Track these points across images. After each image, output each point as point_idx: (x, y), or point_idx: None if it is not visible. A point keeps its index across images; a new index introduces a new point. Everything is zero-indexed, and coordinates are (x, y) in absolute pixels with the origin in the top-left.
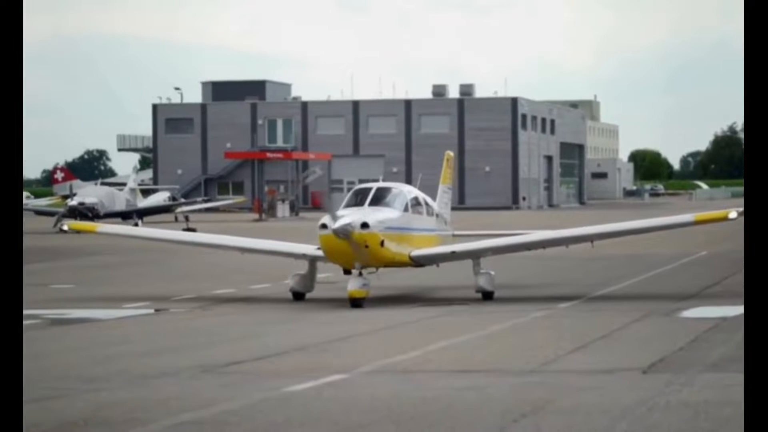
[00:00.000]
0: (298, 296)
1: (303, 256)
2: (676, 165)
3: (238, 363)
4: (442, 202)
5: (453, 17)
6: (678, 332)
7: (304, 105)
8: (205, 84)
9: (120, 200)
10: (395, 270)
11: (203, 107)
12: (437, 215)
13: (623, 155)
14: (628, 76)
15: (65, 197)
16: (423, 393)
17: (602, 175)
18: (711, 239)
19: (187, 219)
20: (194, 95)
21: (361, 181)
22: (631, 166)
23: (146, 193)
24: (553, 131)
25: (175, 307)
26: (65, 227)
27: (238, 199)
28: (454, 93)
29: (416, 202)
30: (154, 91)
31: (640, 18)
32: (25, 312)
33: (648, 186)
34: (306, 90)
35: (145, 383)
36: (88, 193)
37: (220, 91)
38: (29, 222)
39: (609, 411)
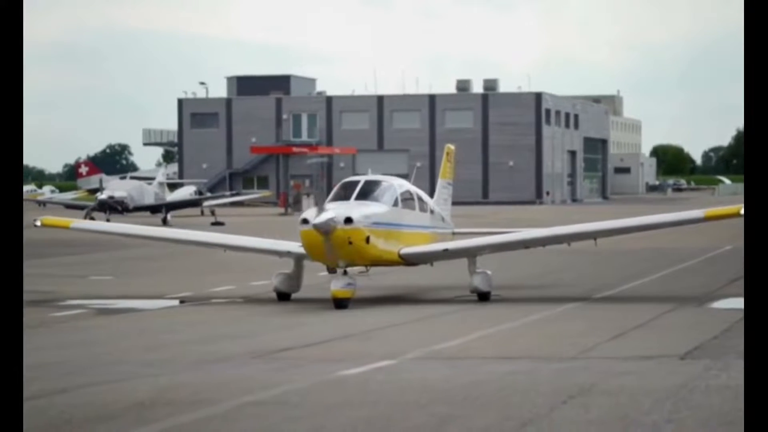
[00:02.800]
0: (283, 297)
1: (287, 253)
2: (698, 160)
3: (287, 350)
4: (441, 198)
5: (476, 12)
6: (710, 322)
7: (329, 100)
8: (230, 79)
9: (149, 194)
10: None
11: (228, 102)
12: (432, 211)
13: (645, 150)
14: (650, 71)
15: (92, 191)
16: (472, 377)
17: (625, 170)
18: (737, 233)
19: (213, 213)
20: (219, 90)
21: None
22: (653, 161)
23: (172, 187)
24: (576, 126)
25: (216, 298)
26: (38, 223)
27: (264, 193)
28: (477, 88)
29: (408, 196)
30: (179, 85)
31: (662, 12)
32: (71, 302)
33: (671, 181)
34: (330, 85)
35: (201, 368)
36: (117, 187)
37: (245, 85)
38: (59, 216)
39: (652, 393)
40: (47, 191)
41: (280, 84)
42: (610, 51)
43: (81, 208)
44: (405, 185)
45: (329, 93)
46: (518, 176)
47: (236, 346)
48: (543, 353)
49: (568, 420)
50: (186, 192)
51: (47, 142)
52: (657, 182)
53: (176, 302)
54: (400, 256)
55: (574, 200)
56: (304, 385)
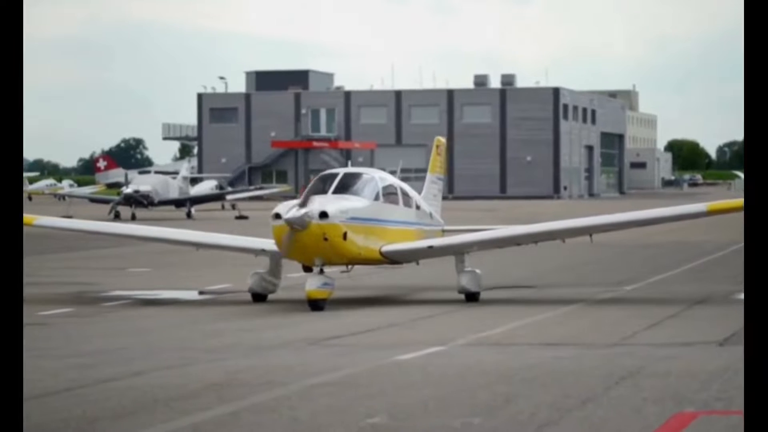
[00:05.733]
0: (259, 298)
1: (262, 251)
2: (713, 155)
3: (339, 337)
4: (429, 193)
5: (492, 6)
6: (741, 312)
7: (347, 94)
8: (248, 74)
9: (173, 188)
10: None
11: (247, 97)
12: (419, 207)
13: (660, 145)
14: (665, 66)
15: (110, 185)
16: (523, 361)
17: (641, 165)
18: None
19: (233, 207)
20: (238, 85)
21: (403, 171)
22: (669, 155)
23: (193, 181)
24: (594, 121)
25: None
26: None
27: (283, 187)
28: (495, 83)
29: (390, 191)
30: (193, 80)
31: (677, 7)
32: (116, 293)
33: (687, 176)
34: (347, 79)
35: (262, 353)
36: (142, 181)
37: (264, 80)
38: (84, 209)
39: (698, 375)
40: (66, 185)
41: (298, 79)
42: (626, 45)
43: (106, 202)
44: (388, 179)
45: (347, 88)
46: (536, 171)
47: (289, 333)
48: (585, 340)
49: (624, 398)
50: (207, 186)
51: (61, 136)
52: (673, 177)
53: (220, 293)
54: (381, 253)
55: (591, 195)
56: (366, 368)
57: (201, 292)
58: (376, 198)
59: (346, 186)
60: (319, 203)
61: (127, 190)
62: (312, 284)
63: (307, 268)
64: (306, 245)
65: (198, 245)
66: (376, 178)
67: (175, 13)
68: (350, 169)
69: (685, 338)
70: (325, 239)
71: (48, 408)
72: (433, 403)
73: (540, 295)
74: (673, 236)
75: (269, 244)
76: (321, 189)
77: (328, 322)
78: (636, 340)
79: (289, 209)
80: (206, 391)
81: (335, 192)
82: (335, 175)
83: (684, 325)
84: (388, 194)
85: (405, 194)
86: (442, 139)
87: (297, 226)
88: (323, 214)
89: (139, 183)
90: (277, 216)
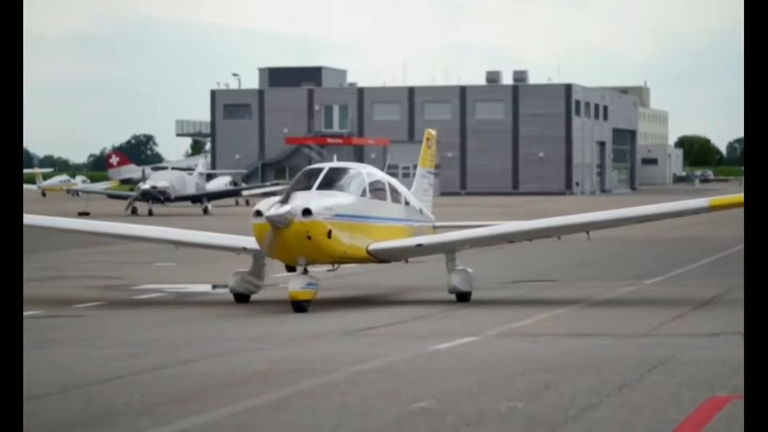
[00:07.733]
0: (241, 298)
1: (243, 250)
2: (723, 151)
3: (371, 328)
4: (420, 188)
5: (504, 3)
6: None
7: (360, 91)
8: (262, 70)
9: (190, 184)
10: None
11: (260, 93)
12: (408, 203)
13: (671, 141)
14: (675, 62)
15: (123, 181)
16: (556, 350)
17: (652, 161)
18: None
19: (247, 203)
20: (251, 81)
21: (415, 167)
22: (680, 152)
23: (207, 177)
24: (606, 117)
25: (284, 283)
26: None
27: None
28: (507, 79)
29: (379, 186)
30: (211, 77)
31: (688, 3)
32: (146, 286)
33: (698, 172)
34: (360, 76)
35: (300, 343)
36: (159, 177)
37: (277, 77)
38: (102, 205)
39: (727, 363)
40: (79, 182)
41: (311, 75)
42: (637, 42)
43: (124, 198)
44: (375, 174)
45: (359, 84)
46: (548, 167)
47: (320, 325)
48: (614, 331)
49: (659, 384)
50: (221, 182)
51: (71, 132)
52: (684, 173)
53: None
54: (368, 252)
55: (603, 191)
56: (405, 357)
57: (215, 286)
58: (363, 194)
59: (331, 181)
60: (302, 200)
61: (145, 185)
62: (295, 285)
63: (291, 268)
64: (289, 244)
65: (177, 243)
66: (363, 173)
67: (188, 10)
68: (336, 164)
69: (710, 329)
70: (309, 238)
71: (107, 394)
72: (476, 388)
73: (563, 288)
74: (689, 231)
75: (251, 242)
76: (306, 185)
77: (356, 314)
78: (663, 330)
79: (270, 206)
80: (254, 377)
81: (320, 188)
82: (320, 170)
83: (708, 317)
84: (376, 190)
85: (393, 190)
86: (433, 132)
87: (279, 224)
88: (306, 212)
89: (156, 179)
90: (258, 213)
